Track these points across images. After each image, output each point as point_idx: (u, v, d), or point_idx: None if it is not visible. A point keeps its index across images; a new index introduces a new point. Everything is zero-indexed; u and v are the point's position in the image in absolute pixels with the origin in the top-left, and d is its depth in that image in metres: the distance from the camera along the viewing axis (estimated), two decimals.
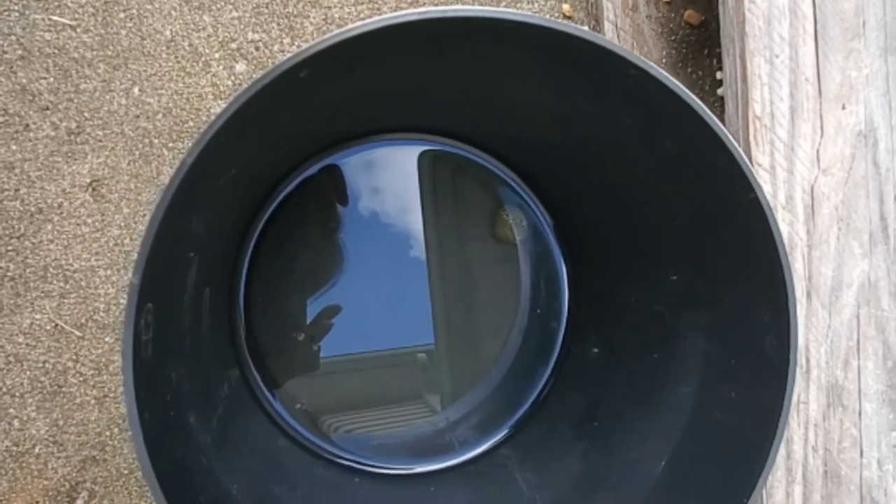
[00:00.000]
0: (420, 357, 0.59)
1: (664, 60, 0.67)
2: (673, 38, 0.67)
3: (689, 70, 0.67)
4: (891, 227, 0.54)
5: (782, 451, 0.51)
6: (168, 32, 0.61)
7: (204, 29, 0.61)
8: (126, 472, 0.60)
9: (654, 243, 0.51)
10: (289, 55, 0.37)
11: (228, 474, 0.43)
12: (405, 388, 0.59)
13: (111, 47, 0.60)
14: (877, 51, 0.54)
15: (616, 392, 0.54)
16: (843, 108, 0.53)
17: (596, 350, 0.57)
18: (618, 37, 0.66)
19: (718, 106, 0.68)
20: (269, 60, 0.62)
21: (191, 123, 0.61)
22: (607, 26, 0.66)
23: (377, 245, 0.58)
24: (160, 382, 0.38)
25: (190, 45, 0.61)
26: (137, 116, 0.61)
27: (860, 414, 0.54)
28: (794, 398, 0.45)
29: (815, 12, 0.53)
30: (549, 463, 0.53)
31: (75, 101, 0.60)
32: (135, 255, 0.61)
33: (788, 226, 0.53)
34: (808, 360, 0.54)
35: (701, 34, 0.67)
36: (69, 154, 0.60)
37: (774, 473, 0.53)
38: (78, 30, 0.60)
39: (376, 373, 0.58)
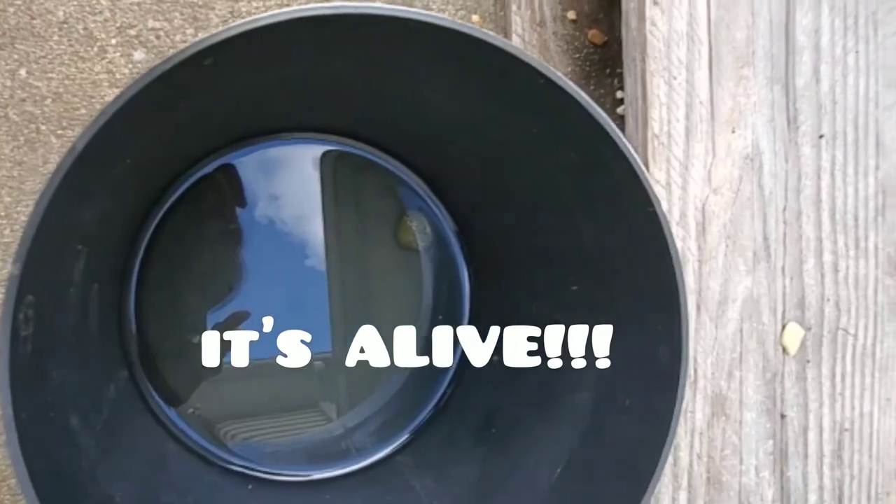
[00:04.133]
0: (317, 364, 0.57)
1: (568, 76, 0.69)
2: (577, 55, 0.69)
3: (592, 87, 0.69)
4: (772, 247, 0.57)
5: (669, 459, 0.52)
6: (61, 13, 0.58)
7: (101, 13, 0.58)
8: None
9: (556, 253, 0.52)
10: (191, 42, 0.35)
11: (113, 481, 0.41)
12: (301, 396, 0.57)
13: None
14: (764, 80, 0.57)
15: (514, 399, 0.54)
16: (733, 131, 0.56)
17: (496, 357, 0.57)
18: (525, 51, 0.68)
19: (619, 125, 0.70)
20: (171, 50, 0.60)
21: (83, 111, 0.58)
22: (515, 40, 0.67)
23: (276, 247, 0.56)
24: (40, 381, 0.36)
25: (84, 28, 0.58)
26: (24, 100, 0.57)
27: (741, 423, 0.57)
28: (683, 407, 0.46)
29: (710, 39, 0.55)
30: (448, 469, 0.53)
31: None
32: (16, 246, 0.57)
33: (681, 241, 0.55)
34: (695, 371, 0.56)
35: (604, 54, 0.69)
36: None
37: (662, 480, 0.55)
38: None
39: (273, 380, 0.57)
